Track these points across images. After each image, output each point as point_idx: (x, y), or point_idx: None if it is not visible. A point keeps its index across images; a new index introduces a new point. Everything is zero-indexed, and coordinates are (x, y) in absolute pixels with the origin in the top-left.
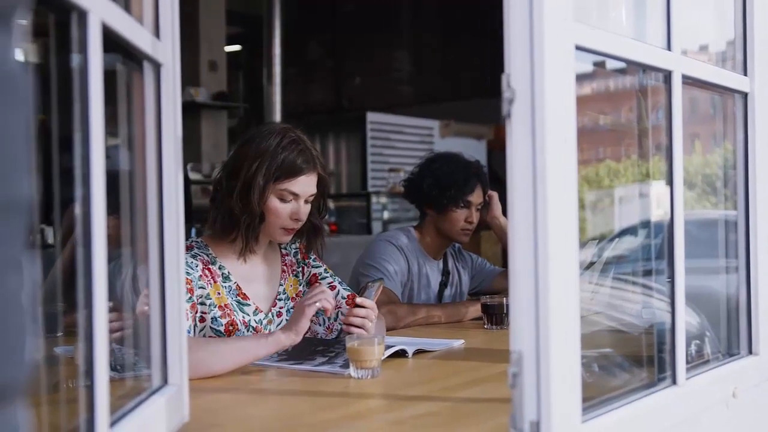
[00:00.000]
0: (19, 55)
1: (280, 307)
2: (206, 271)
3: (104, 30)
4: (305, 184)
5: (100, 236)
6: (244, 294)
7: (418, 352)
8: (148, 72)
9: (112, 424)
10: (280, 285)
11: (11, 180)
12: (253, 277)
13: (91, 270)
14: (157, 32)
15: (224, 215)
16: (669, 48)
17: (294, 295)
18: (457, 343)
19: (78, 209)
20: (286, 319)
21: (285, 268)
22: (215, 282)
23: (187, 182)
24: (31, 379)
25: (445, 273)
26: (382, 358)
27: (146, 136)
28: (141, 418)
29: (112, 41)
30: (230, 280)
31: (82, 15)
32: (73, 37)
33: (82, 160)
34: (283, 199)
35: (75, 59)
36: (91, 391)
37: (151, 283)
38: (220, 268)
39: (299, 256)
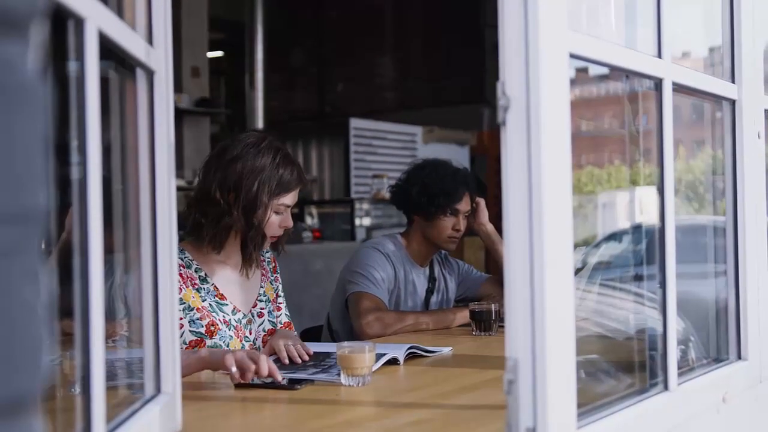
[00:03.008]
0: (34, 65)
1: (261, 308)
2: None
3: (100, 37)
4: (296, 195)
5: (96, 243)
6: (222, 294)
7: (411, 355)
8: (141, 79)
9: None
10: (261, 287)
11: (28, 190)
12: (233, 278)
13: (88, 278)
14: (150, 39)
15: (222, 230)
16: (659, 56)
17: (272, 299)
18: (446, 350)
19: (73, 217)
20: (268, 320)
21: (264, 272)
22: (192, 284)
23: None
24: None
25: (432, 280)
26: (375, 368)
27: (139, 142)
28: (135, 427)
29: (107, 48)
30: (208, 282)
31: (79, 22)
32: (69, 44)
33: (79, 167)
34: (278, 212)
35: (71, 66)
36: (88, 401)
37: (143, 292)
38: (196, 271)
39: (270, 267)
